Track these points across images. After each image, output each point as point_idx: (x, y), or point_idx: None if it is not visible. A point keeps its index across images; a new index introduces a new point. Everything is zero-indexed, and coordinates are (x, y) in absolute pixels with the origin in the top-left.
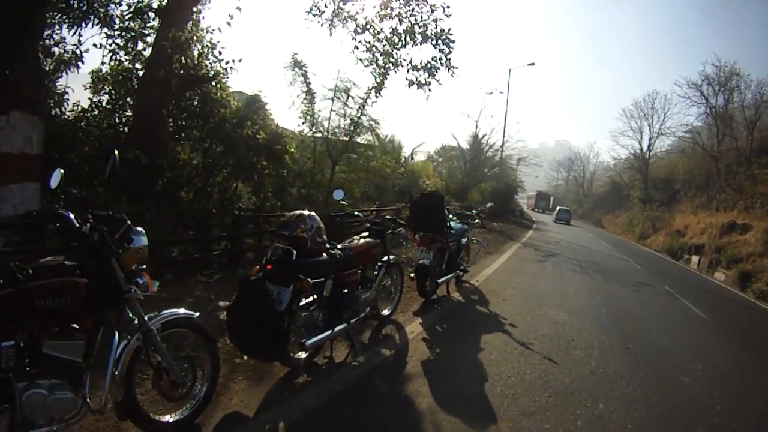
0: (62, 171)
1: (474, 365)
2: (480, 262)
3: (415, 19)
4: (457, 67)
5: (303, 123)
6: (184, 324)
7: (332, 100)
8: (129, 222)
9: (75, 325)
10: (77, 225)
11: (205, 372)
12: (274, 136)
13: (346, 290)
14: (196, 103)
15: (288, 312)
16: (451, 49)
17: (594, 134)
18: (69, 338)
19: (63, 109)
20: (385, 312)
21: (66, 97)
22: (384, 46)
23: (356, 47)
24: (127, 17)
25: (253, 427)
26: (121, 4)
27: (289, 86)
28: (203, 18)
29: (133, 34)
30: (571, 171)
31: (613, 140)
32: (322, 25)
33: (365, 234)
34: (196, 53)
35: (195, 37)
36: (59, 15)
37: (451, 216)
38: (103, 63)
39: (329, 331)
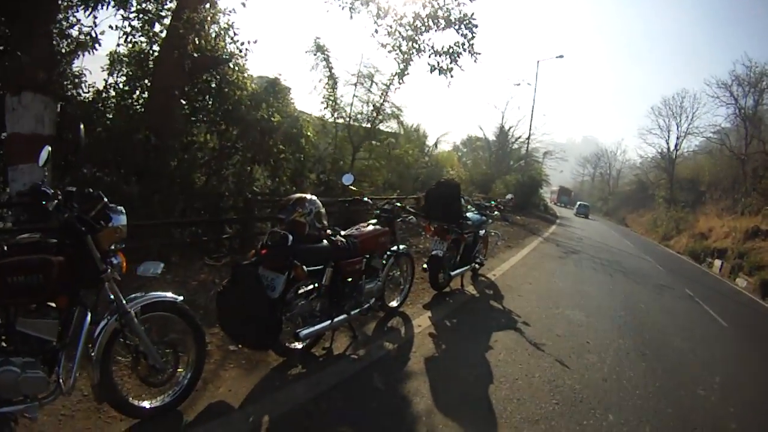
0: (50, 148)
1: (480, 365)
2: (499, 256)
3: (438, 4)
4: (480, 53)
5: (325, 108)
6: (167, 308)
7: (355, 85)
8: (105, 200)
9: (52, 304)
10: (44, 202)
11: (190, 358)
12: (290, 119)
13: (350, 279)
14: (213, 85)
15: (282, 300)
16: (474, 34)
17: (622, 132)
18: (43, 317)
19: (80, 91)
20: (393, 303)
21: (84, 78)
22: (407, 31)
23: (376, 31)
24: None
25: (236, 419)
26: None
27: (311, 71)
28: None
29: (150, 15)
30: (598, 167)
31: (641, 138)
32: (342, 8)
33: (373, 221)
34: (213, 35)
35: (209, 18)
36: None
37: (469, 207)
38: (118, 45)
39: (328, 322)
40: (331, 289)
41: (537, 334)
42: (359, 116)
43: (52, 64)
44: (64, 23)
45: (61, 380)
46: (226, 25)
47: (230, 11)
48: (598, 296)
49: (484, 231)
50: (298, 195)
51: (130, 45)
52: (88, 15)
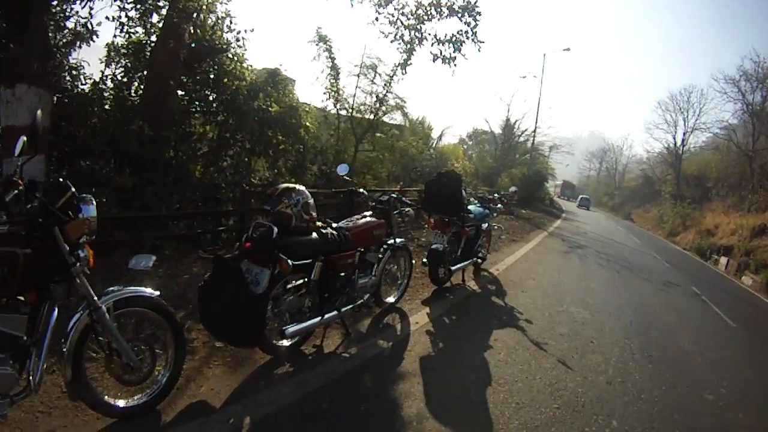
0: (25, 139)
1: (478, 365)
2: (503, 250)
3: None
4: (483, 42)
5: (327, 99)
6: (142, 303)
7: (358, 76)
8: (73, 190)
9: (22, 298)
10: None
11: (169, 356)
12: (288, 109)
13: (342, 274)
14: (212, 76)
15: (267, 295)
16: (477, 22)
17: (629, 128)
18: (12, 311)
19: (77, 83)
20: (390, 299)
21: (82, 71)
22: (408, 20)
23: (377, 19)
24: None
25: (215, 420)
26: None
27: (313, 61)
28: None
29: (147, 5)
30: (604, 162)
31: (648, 133)
32: None
33: (368, 213)
34: (210, 24)
35: (205, 7)
36: None
37: (471, 199)
38: (115, 36)
39: (318, 318)
40: (321, 285)
41: (539, 332)
42: (362, 107)
43: (46, 56)
44: (60, 15)
45: (31, 377)
46: (223, 14)
47: (227, 1)
48: (604, 293)
49: (486, 224)
50: (285, 185)
51: (126, 36)
52: (84, 6)
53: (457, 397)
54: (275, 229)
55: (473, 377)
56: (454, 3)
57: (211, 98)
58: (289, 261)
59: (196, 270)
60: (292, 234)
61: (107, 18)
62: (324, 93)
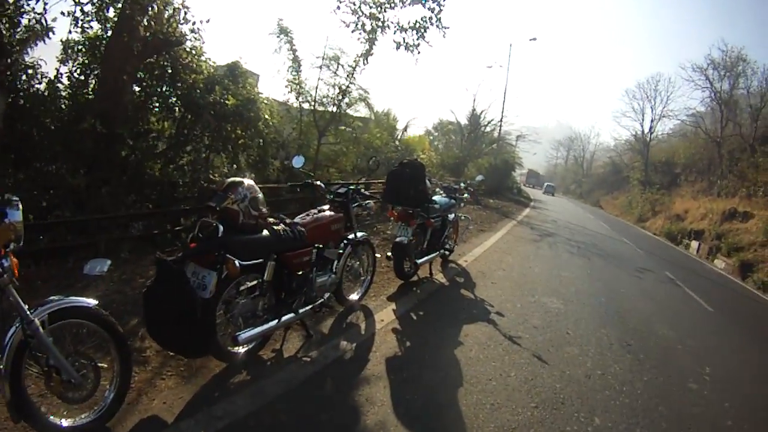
0: None
1: (448, 364)
2: (471, 241)
3: None
4: (448, 27)
5: (289, 92)
6: (81, 315)
7: (320, 68)
8: None
9: None
10: None
11: (114, 371)
12: (246, 102)
13: (300, 273)
14: (170, 70)
15: (216, 299)
16: (441, 7)
17: (597, 117)
18: None
19: (33, 82)
20: (353, 297)
21: (39, 69)
22: (370, 8)
23: (338, 7)
24: None
25: None
26: None
27: (274, 53)
28: None
29: (103, 0)
30: (571, 150)
31: (615, 121)
32: None
33: (326, 207)
34: (166, 16)
35: None
36: None
37: (438, 190)
38: (70, 32)
39: (274, 322)
40: (276, 285)
41: (512, 325)
42: (325, 100)
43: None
44: (13, 11)
45: None
46: (179, 6)
47: None
48: (576, 281)
49: (453, 215)
50: (231, 179)
51: (80, 31)
52: (38, 1)
53: (427, 400)
54: (221, 228)
55: (443, 377)
56: None
57: (168, 93)
58: (237, 262)
59: (153, 273)
60: (240, 232)
61: (62, 13)
62: (286, 86)
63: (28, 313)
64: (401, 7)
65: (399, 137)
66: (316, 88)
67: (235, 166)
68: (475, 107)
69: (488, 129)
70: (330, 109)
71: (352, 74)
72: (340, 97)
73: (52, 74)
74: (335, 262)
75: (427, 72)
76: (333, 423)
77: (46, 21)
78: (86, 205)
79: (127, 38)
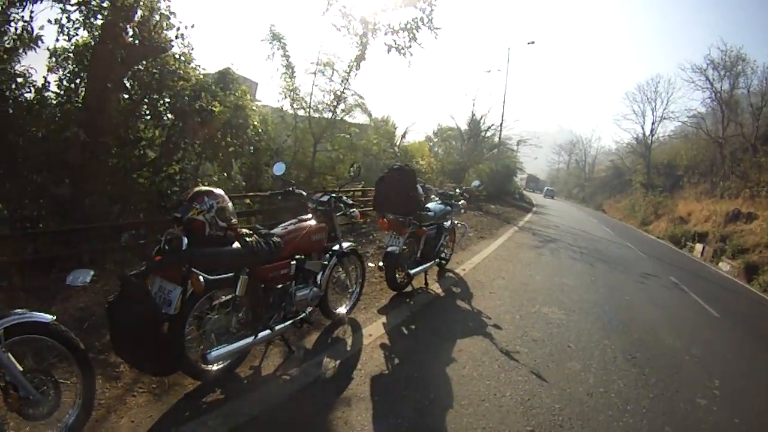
0: None
1: (438, 383)
2: (470, 248)
3: None
4: (439, 28)
5: (283, 98)
6: (37, 330)
7: (314, 74)
8: None
9: None
10: None
11: (77, 388)
12: (234, 109)
13: (280, 286)
14: (158, 77)
15: (183, 315)
16: (432, 8)
17: (598, 121)
18: None
19: (22, 91)
20: (341, 310)
21: (30, 77)
22: (362, 13)
23: (327, 9)
24: None
25: None
26: None
27: (267, 60)
28: None
29: (91, 7)
30: (573, 154)
31: (616, 124)
32: None
33: (307, 216)
34: (153, 23)
35: (144, 4)
36: None
37: (433, 196)
38: (57, 40)
39: (250, 338)
40: (252, 300)
41: (510, 339)
42: (320, 106)
43: None
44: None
45: None
46: (166, 12)
47: None
48: (579, 289)
49: (449, 222)
50: (198, 188)
51: (65, 39)
52: (23, 8)
53: (412, 424)
54: (185, 240)
55: (432, 398)
56: None
57: (156, 101)
58: (202, 276)
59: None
60: (207, 244)
61: (49, 21)
62: (280, 93)
63: None
64: (393, 10)
65: (398, 143)
66: (311, 94)
67: (225, 174)
68: (475, 112)
69: (488, 134)
70: (326, 115)
71: (347, 80)
72: (335, 103)
73: (32, 82)
74: (319, 275)
75: (426, 77)
76: None
77: (32, 29)
78: (71, 216)
79: (111, 45)
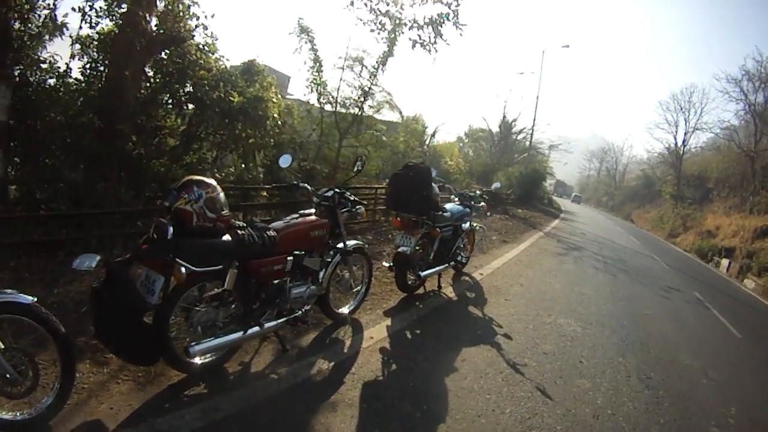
0: None
1: (434, 395)
2: (491, 252)
3: None
4: (465, 24)
5: (310, 92)
6: (17, 311)
7: (342, 69)
8: None
9: None
10: None
11: (57, 368)
12: (253, 100)
13: (276, 281)
14: (180, 66)
15: (167, 306)
16: (459, 3)
17: (631, 129)
18: None
19: (46, 77)
20: (344, 310)
21: (55, 64)
22: (387, 6)
23: (352, 3)
24: None
25: None
26: None
27: (294, 53)
28: None
29: None
30: (604, 162)
31: (648, 133)
32: None
33: (309, 211)
34: (177, 12)
35: None
36: None
37: (453, 197)
38: (80, 27)
39: (238, 334)
40: (240, 294)
41: (519, 350)
42: (347, 102)
43: (6, 49)
44: (24, 6)
45: None
46: (189, 2)
47: None
48: (598, 300)
49: (467, 224)
50: (188, 177)
51: (89, 26)
52: None
53: None
54: (170, 229)
55: (425, 410)
56: None
57: (177, 90)
58: (184, 268)
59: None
60: (195, 235)
61: (73, 9)
62: (307, 86)
63: None
64: (420, 5)
65: (428, 142)
66: (338, 89)
67: (243, 165)
68: (506, 114)
69: (520, 137)
70: (352, 111)
71: (375, 75)
72: (363, 99)
73: (55, 68)
74: (321, 273)
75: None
76: None
77: (55, 16)
78: (83, 201)
79: (132, 34)
